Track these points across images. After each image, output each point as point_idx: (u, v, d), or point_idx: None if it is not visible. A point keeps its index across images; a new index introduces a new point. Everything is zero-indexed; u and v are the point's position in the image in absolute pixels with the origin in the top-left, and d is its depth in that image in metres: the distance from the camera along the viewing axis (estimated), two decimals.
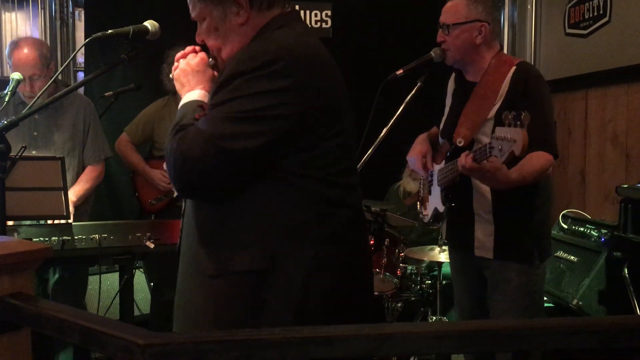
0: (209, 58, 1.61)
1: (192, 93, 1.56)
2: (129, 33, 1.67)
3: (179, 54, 1.64)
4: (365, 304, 1.62)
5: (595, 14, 3.49)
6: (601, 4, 3.44)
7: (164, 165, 3.41)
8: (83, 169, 2.98)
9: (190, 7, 1.56)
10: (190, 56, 1.61)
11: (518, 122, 1.71)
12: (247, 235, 1.42)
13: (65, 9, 3.90)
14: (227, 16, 1.50)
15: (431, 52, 2.27)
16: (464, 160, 1.95)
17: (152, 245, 2.44)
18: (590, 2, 3.54)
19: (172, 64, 3.46)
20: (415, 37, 3.63)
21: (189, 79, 1.58)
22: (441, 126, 2.40)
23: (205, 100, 1.52)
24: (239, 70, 1.39)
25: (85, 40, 3.88)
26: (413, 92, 2.34)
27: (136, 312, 3.53)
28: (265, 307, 1.41)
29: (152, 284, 3.64)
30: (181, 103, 1.56)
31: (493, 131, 2.10)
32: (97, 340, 0.94)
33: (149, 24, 1.74)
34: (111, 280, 3.63)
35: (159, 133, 3.40)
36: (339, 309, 1.46)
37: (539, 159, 2.05)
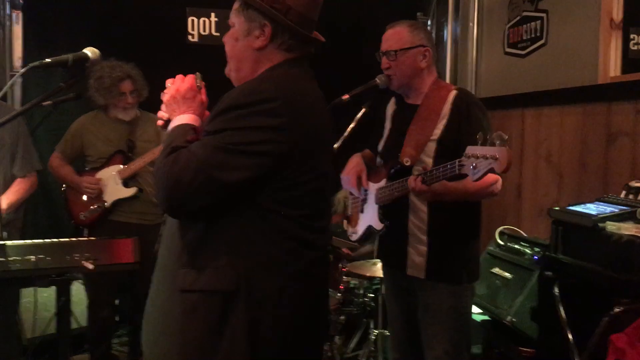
0: (196, 82, 1.68)
1: (183, 117, 1.64)
2: (68, 61, 1.63)
3: (168, 80, 1.71)
4: (317, 337, 1.73)
5: (533, 35, 3.63)
6: (538, 26, 3.58)
7: (97, 174, 3.35)
8: (11, 182, 2.89)
9: (232, 10, 1.66)
10: (178, 81, 1.69)
11: (498, 141, 1.75)
12: (220, 258, 1.51)
13: (2, 11, 3.75)
14: (249, 34, 1.61)
15: (376, 79, 2.33)
16: (414, 183, 2.01)
17: (91, 266, 2.39)
18: (528, 24, 3.67)
19: (99, 79, 3.38)
20: (358, 63, 3.66)
21: (179, 105, 1.66)
22: (380, 147, 2.45)
23: (196, 124, 1.62)
24: (237, 104, 1.48)
25: (23, 55, 3.79)
26: (358, 116, 2.39)
27: (74, 325, 3.45)
28: (226, 329, 1.49)
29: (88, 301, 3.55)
30: (172, 125, 1.64)
31: (436, 152, 2.18)
32: None
33: (89, 51, 1.71)
34: (48, 292, 3.52)
35: (89, 146, 3.35)
36: (292, 341, 1.57)
37: (484, 178, 2.13)
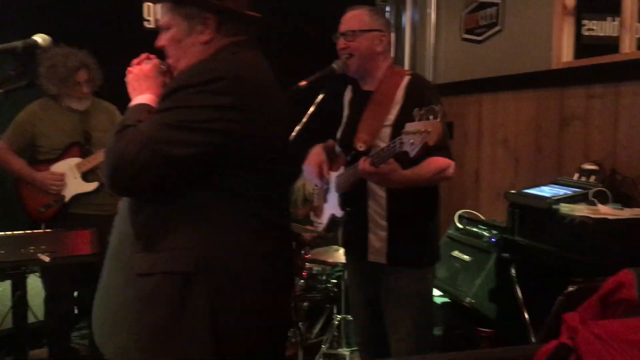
0: (161, 65, 1.65)
1: (141, 97, 1.61)
2: (17, 48, 1.57)
3: (134, 60, 1.68)
4: (283, 319, 1.73)
5: (489, 22, 3.68)
6: (494, 12, 3.63)
7: (52, 167, 3.22)
8: None
9: (160, 14, 1.62)
10: (145, 62, 1.67)
11: (431, 116, 1.80)
12: (178, 240, 1.48)
13: None
14: (191, 33, 1.58)
15: (333, 64, 2.33)
16: (363, 164, 2.04)
17: (47, 259, 2.34)
18: (485, 11, 3.72)
19: (53, 67, 3.22)
20: (316, 48, 3.66)
21: (140, 83, 1.64)
22: (339, 135, 2.47)
23: (154, 104, 1.58)
24: (185, 84, 1.47)
25: None
26: (317, 102, 2.39)
27: (32, 319, 3.38)
28: (186, 312, 1.46)
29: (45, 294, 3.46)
30: (130, 105, 1.61)
31: (390, 138, 2.20)
32: None
33: (39, 37, 1.65)
34: (4, 286, 3.43)
35: (41, 136, 3.20)
36: (256, 324, 1.54)
37: (436, 162, 2.16)
